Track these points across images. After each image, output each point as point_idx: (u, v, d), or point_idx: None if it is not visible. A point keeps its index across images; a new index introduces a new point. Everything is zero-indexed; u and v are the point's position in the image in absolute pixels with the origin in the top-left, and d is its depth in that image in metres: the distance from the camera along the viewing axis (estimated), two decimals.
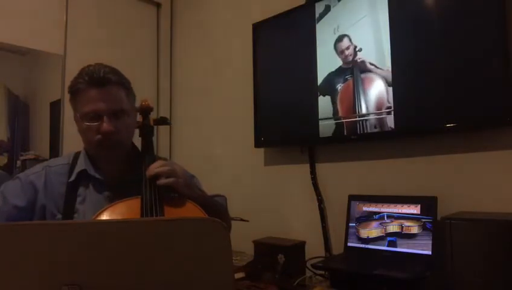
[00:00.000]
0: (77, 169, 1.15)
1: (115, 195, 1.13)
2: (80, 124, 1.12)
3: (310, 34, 1.83)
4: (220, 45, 2.38)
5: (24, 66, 2.10)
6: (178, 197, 1.11)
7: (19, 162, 2.00)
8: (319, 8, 1.82)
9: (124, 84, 1.15)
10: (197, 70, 2.51)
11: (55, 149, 2.11)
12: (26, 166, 1.98)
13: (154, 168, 1.09)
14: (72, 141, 2.08)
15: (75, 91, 1.11)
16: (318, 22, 1.82)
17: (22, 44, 2.04)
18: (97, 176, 1.16)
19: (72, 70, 2.12)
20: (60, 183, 1.14)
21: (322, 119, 1.78)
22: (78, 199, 1.13)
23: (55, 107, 2.13)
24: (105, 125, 1.08)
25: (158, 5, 2.66)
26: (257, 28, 2.05)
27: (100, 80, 1.09)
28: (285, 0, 1.96)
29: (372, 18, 1.65)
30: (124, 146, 1.17)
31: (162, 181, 1.07)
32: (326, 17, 1.80)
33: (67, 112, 2.13)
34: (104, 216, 1.00)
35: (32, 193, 1.12)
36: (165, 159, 1.24)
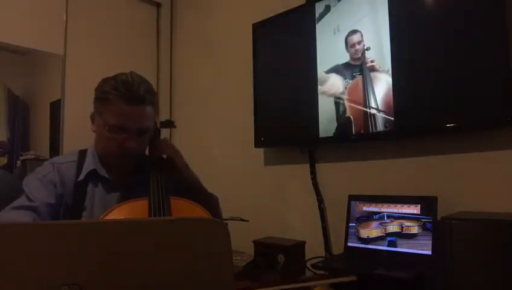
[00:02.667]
0: (86, 168, 1.15)
1: (124, 195, 1.13)
2: (101, 130, 1.12)
3: (310, 34, 1.83)
4: (220, 45, 2.38)
5: (24, 66, 2.10)
6: (184, 199, 1.11)
7: (19, 162, 2.00)
8: (319, 8, 1.82)
9: (155, 102, 1.13)
10: (197, 70, 2.51)
11: (55, 149, 2.11)
12: (26, 166, 1.98)
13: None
14: (72, 141, 2.10)
15: (104, 98, 1.09)
16: (318, 22, 1.82)
17: (22, 44, 2.03)
18: (107, 176, 1.16)
19: (72, 71, 2.15)
20: (69, 180, 1.15)
21: (322, 118, 1.78)
22: (87, 197, 1.14)
23: (55, 107, 2.12)
24: (130, 143, 1.08)
25: (158, 5, 2.66)
26: (257, 28, 2.05)
27: (137, 98, 1.06)
28: (285, 0, 1.96)
29: (373, 18, 1.65)
30: (139, 157, 1.17)
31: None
32: (326, 17, 1.80)
33: (67, 112, 2.13)
34: (112, 216, 1.00)
35: (54, 190, 1.12)
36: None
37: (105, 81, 1.10)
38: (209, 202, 1.24)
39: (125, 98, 1.05)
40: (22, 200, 1.08)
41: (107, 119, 1.08)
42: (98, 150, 1.18)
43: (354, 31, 1.71)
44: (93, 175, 1.16)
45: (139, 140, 1.10)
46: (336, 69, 1.75)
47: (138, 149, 1.12)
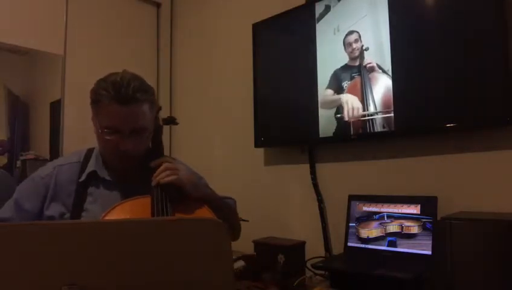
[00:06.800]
0: (88, 170, 1.16)
1: (125, 195, 1.12)
2: (98, 132, 1.11)
3: (310, 34, 1.83)
4: (220, 45, 2.38)
5: (24, 66, 2.10)
6: (187, 197, 1.11)
7: (18, 162, 2.00)
8: (319, 8, 1.82)
9: (150, 99, 1.10)
10: (197, 70, 2.51)
11: (55, 149, 2.11)
12: (26, 166, 1.98)
13: (157, 176, 1.08)
14: (72, 141, 2.10)
15: (96, 100, 1.07)
16: (318, 22, 1.82)
17: (22, 44, 2.04)
18: (107, 177, 1.16)
19: (72, 71, 2.15)
20: (70, 181, 1.15)
21: (322, 118, 1.78)
22: (89, 198, 1.13)
23: (55, 107, 2.12)
24: (125, 144, 1.06)
25: (158, 5, 2.66)
26: (257, 28, 2.05)
27: (127, 98, 1.04)
28: (285, 0, 1.96)
29: (372, 18, 1.65)
30: (139, 157, 1.15)
31: (164, 179, 1.07)
32: (326, 17, 1.80)
33: (67, 112, 2.13)
34: (114, 215, 1.00)
35: (44, 196, 1.13)
36: (171, 158, 1.22)
37: (98, 83, 1.09)
38: (227, 212, 1.21)
39: (116, 99, 1.04)
40: (6, 209, 1.13)
41: (101, 121, 1.08)
42: (100, 152, 1.19)
43: (351, 32, 1.71)
44: (94, 176, 1.16)
45: (135, 140, 1.08)
46: (335, 71, 1.75)
47: (135, 150, 1.10)
